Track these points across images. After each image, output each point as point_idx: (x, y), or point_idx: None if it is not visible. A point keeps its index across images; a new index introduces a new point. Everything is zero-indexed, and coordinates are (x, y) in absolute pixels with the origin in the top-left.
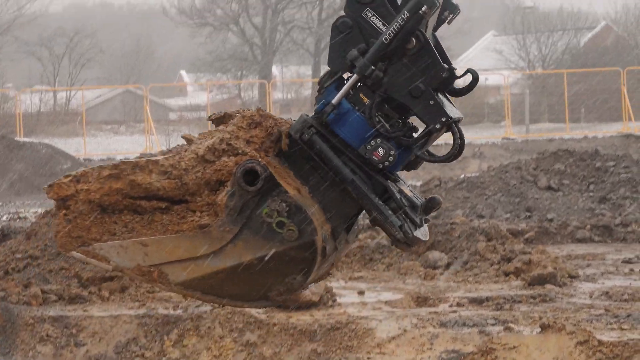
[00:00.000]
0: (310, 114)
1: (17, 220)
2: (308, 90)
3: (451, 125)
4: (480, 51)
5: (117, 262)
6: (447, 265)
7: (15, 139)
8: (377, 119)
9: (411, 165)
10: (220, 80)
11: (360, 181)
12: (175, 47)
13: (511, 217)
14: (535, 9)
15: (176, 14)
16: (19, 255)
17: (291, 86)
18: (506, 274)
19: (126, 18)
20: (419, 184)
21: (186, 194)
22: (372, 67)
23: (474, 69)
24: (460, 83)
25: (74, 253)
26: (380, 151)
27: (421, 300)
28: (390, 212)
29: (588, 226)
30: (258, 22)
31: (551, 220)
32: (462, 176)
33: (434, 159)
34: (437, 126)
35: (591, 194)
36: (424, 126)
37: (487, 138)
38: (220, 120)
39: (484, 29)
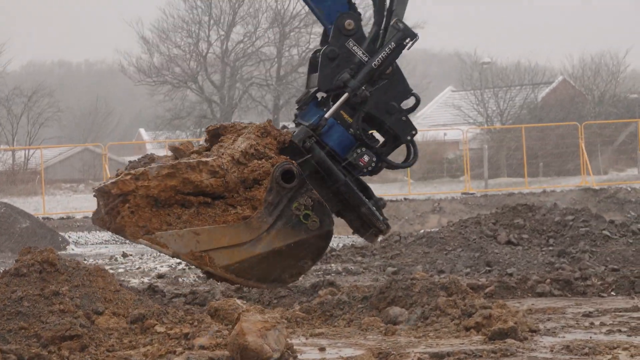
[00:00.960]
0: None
1: None
2: None
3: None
4: (438, 107)
5: (174, 248)
6: (407, 321)
7: None
8: (361, 131)
9: (375, 171)
10: (179, 137)
11: (350, 182)
12: (134, 105)
13: (471, 272)
14: (493, 64)
15: (134, 73)
16: None
17: None
18: (467, 329)
19: (84, 77)
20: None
21: (226, 190)
22: (362, 87)
23: (429, 125)
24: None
25: (141, 240)
26: (366, 158)
27: (382, 356)
28: (374, 207)
29: (548, 280)
30: (217, 79)
31: (511, 274)
32: (422, 231)
33: (396, 165)
34: (408, 138)
35: (551, 247)
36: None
37: (447, 193)
38: (216, 131)
39: (442, 85)
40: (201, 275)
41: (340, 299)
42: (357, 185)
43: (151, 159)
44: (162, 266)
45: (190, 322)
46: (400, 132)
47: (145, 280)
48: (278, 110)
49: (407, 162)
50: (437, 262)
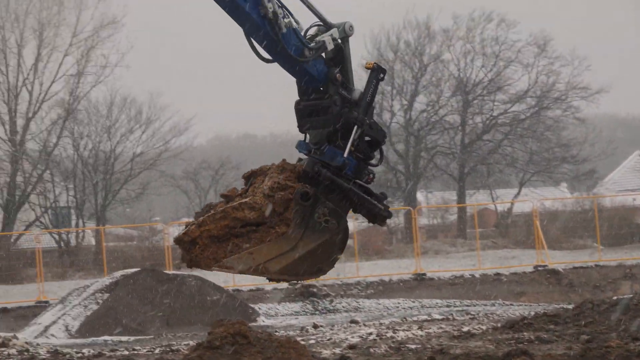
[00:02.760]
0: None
1: (170, 353)
2: (453, 215)
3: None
4: (626, 171)
5: (238, 268)
6: None
7: (164, 271)
8: (366, 153)
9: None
10: None
11: (355, 188)
12: None
13: None
14: None
15: None
16: None
17: (436, 212)
18: None
19: (269, 148)
20: (570, 306)
21: (264, 218)
22: (366, 119)
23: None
24: None
25: (213, 268)
26: (372, 175)
27: None
28: (376, 202)
29: None
30: (401, 148)
31: None
32: (614, 298)
33: (372, 164)
34: (384, 141)
35: None
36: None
37: (638, 259)
38: (249, 176)
39: (629, 149)
40: (392, 345)
41: None
42: (360, 187)
43: (210, 206)
44: (353, 337)
45: None
46: (381, 138)
47: (337, 351)
48: (463, 177)
49: (378, 162)
50: (631, 330)
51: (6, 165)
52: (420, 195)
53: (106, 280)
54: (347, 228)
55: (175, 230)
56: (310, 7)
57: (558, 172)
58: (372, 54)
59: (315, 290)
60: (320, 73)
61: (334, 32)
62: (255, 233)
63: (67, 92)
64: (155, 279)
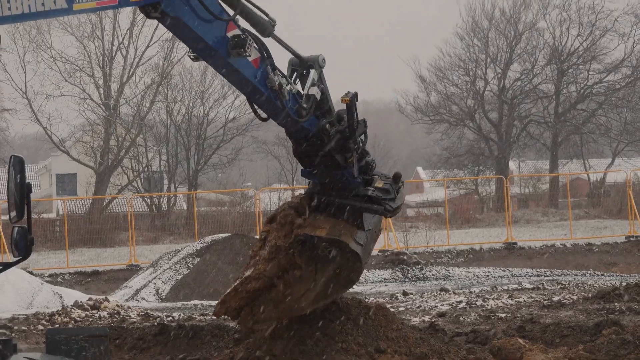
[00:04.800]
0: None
1: None
2: (545, 184)
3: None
4: None
5: (274, 316)
6: None
7: (254, 237)
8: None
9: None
10: (457, 176)
11: (354, 201)
12: (410, 143)
13: None
14: None
15: (412, 112)
16: None
17: (528, 181)
18: None
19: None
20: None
21: (275, 275)
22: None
23: None
24: None
25: (256, 326)
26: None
27: None
28: (375, 205)
29: None
30: (494, 117)
31: None
32: None
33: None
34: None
35: None
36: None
37: None
38: (269, 220)
39: None
40: (481, 314)
41: (625, 339)
42: (365, 196)
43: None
44: (442, 305)
45: None
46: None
47: (426, 318)
48: (556, 147)
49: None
50: None
51: (100, 129)
52: (512, 164)
53: (197, 244)
54: (351, 249)
55: (266, 197)
56: (284, 45)
57: None
58: (466, 23)
59: (405, 257)
60: (312, 125)
61: (314, 74)
62: (274, 287)
63: (162, 57)
64: (245, 244)
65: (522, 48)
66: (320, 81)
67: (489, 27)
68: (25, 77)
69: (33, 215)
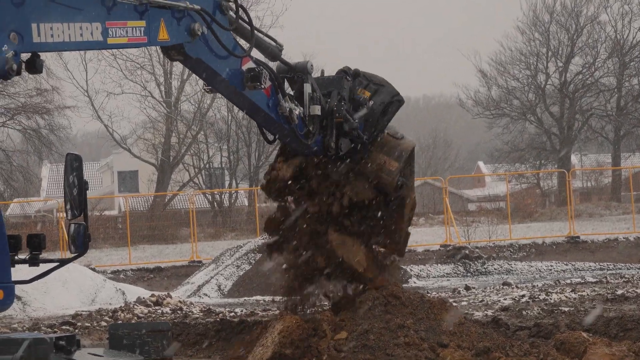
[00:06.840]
0: None
1: (320, 313)
2: (608, 178)
3: None
4: None
5: None
6: None
7: None
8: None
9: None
10: (518, 170)
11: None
12: (472, 138)
13: None
14: None
15: (473, 106)
16: None
17: (591, 174)
18: None
19: (422, 111)
20: None
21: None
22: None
23: None
24: None
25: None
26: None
27: None
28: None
29: None
30: (555, 111)
31: None
32: None
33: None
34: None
35: None
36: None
37: None
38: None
39: None
40: (544, 308)
41: None
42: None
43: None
44: (505, 299)
45: (536, 355)
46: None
47: (489, 312)
48: (619, 140)
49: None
50: None
51: (161, 126)
52: (574, 158)
53: (259, 240)
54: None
55: None
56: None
57: None
58: (527, 16)
59: (467, 252)
60: (318, 144)
61: (308, 88)
62: None
63: None
64: None
65: (584, 41)
66: (314, 89)
67: (550, 20)
68: (87, 75)
69: (95, 213)
